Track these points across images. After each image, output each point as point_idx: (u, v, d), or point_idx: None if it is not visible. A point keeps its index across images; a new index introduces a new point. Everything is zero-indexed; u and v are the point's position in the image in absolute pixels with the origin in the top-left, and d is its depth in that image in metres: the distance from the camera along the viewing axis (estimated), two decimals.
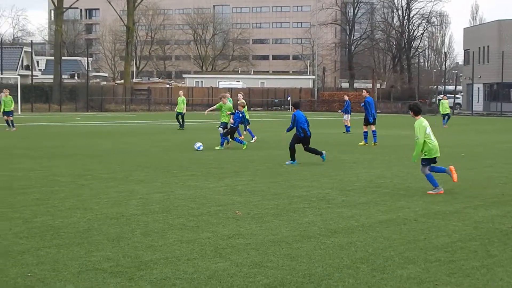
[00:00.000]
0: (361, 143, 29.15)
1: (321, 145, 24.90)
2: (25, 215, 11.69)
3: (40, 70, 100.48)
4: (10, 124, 37.60)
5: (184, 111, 39.93)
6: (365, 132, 29.52)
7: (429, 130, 14.91)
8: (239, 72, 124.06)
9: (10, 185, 15.45)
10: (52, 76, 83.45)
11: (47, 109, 74.63)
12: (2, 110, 37.99)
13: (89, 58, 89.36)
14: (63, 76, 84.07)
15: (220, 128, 26.62)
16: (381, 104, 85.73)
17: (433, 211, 12.69)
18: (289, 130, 21.76)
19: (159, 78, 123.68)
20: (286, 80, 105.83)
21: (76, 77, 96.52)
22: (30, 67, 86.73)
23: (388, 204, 13.39)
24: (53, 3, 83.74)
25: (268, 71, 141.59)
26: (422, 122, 14.91)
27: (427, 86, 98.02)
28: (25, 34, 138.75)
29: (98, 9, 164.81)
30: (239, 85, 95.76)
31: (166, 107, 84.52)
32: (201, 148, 25.03)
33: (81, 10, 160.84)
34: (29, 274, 8.02)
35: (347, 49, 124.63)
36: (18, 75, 76.69)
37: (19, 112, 63.36)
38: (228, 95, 28.49)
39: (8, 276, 7.96)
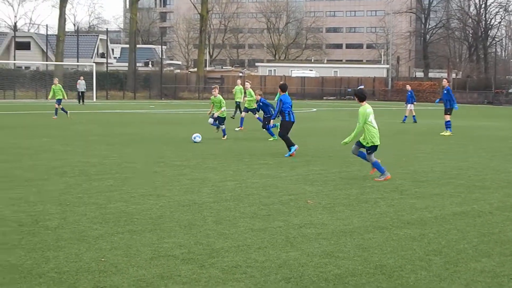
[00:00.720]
0: (447, 133, 28.77)
1: (395, 135, 24.64)
2: (100, 201, 11.88)
3: (115, 57, 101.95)
4: (56, 112, 37.79)
5: (242, 100, 38.64)
6: (448, 122, 29.12)
7: (372, 117, 14.84)
8: (312, 61, 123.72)
9: (86, 171, 15.71)
10: (126, 64, 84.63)
11: (121, 97, 75.74)
12: (55, 97, 38.08)
13: (163, 46, 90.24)
14: (138, 64, 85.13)
15: (210, 119, 25.27)
16: (457, 94, 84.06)
17: (509, 204, 12.43)
18: (274, 117, 21.02)
19: (232, 66, 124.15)
20: (359, 69, 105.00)
21: (150, 65, 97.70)
22: (105, 54, 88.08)
23: (463, 196, 13.18)
24: None
25: (341, 60, 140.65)
26: (366, 108, 14.81)
27: (504, 76, 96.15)
28: (101, 22, 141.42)
29: None
30: (312, 74, 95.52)
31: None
32: (198, 139, 23.41)
33: None
34: (103, 259, 8.14)
35: (422, 38, 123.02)
36: (93, 62, 78.17)
37: (94, 99, 64.57)
38: (217, 90, 26.10)
39: (83, 260, 8.09)
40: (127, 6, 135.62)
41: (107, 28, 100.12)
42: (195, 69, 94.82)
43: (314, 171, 16.57)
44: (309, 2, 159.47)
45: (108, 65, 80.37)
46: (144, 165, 17.08)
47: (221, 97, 25.50)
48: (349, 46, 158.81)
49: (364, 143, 15.03)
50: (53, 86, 38.71)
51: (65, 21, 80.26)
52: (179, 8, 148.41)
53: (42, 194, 12.47)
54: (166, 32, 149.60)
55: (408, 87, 40.56)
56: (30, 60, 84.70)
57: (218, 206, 11.60)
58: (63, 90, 38.94)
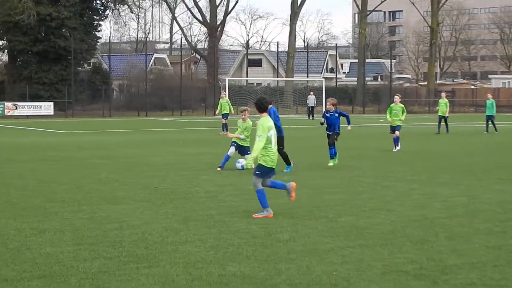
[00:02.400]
0: None
1: None
2: (330, 215, 11.97)
3: (344, 72, 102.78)
4: (224, 128, 36.26)
5: (447, 114, 36.19)
6: None
7: (272, 133, 12.01)
8: None
9: (318, 185, 15.91)
10: (355, 79, 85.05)
11: (350, 111, 76.16)
12: (221, 112, 36.92)
13: (392, 60, 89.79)
14: (366, 78, 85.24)
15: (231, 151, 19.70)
16: None
17: None
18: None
19: (463, 79, 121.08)
20: None
21: (379, 79, 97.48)
22: (335, 70, 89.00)
23: None
24: (357, 6, 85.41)
25: None
26: (268, 121, 12.02)
27: None
28: (330, 38, 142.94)
29: (402, 11, 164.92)
30: None
31: (470, 109, 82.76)
32: (241, 165, 18.75)
33: (384, 12, 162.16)
34: (334, 273, 8.19)
35: None
36: (323, 78, 79.22)
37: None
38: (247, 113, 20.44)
39: (314, 273, 8.19)
40: (356, 21, 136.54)
41: (336, 44, 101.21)
42: (425, 83, 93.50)
43: None
44: None
45: (337, 80, 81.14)
46: (374, 179, 17.04)
47: (249, 123, 20.00)
48: None
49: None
50: (220, 100, 37.54)
51: (295, 38, 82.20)
52: (408, 22, 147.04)
53: (273, 207, 12.73)
54: (395, 46, 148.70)
55: None
56: (262, 76, 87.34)
57: (451, 222, 11.31)
58: (230, 104, 37.54)
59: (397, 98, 25.42)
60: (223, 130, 35.65)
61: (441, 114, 36.16)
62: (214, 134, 35.93)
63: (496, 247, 9.49)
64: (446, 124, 36.43)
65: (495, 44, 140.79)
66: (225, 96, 38.12)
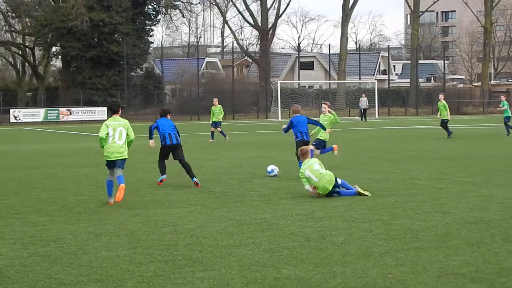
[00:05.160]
0: None
1: None
2: (384, 217, 11.92)
3: (396, 74, 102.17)
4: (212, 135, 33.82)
5: (448, 117, 33.84)
6: None
7: (111, 131, 13.87)
8: None
9: (370, 187, 15.84)
10: (408, 80, 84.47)
11: (403, 113, 75.67)
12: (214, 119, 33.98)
13: (445, 61, 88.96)
14: (419, 80, 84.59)
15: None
16: None
17: None
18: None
19: None
20: None
21: (432, 80, 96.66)
22: (387, 71, 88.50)
23: None
24: (409, 7, 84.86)
25: None
26: (113, 120, 14.05)
27: None
28: (382, 39, 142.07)
29: (454, 11, 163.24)
30: None
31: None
32: (274, 173, 18.41)
33: (437, 12, 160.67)
34: (389, 276, 8.16)
35: None
36: (375, 79, 78.87)
37: (376, 116, 65.01)
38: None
39: (369, 276, 8.17)
40: (408, 22, 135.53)
41: (388, 45, 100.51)
42: (479, 83, 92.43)
43: None
44: None
45: (390, 81, 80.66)
46: (428, 181, 16.90)
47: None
48: None
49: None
50: (212, 108, 34.37)
51: (347, 40, 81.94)
52: (461, 22, 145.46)
53: (327, 210, 12.76)
54: (449, 47, 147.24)
55: None
56: (314, 79, 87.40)
57: (507, 224, 11.17)
58: (223, 111, 35.20)
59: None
60: (212, 138, 33.53)
61: (442, 118, 33.96)
62: (267, 138, 36.02)
63: None
64: (447, 128, 34.05)
65: None
66: (217, 103, 34.63)
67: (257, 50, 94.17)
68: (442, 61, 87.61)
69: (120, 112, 14.29)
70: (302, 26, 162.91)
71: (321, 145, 20.44)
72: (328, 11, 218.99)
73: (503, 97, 37.90)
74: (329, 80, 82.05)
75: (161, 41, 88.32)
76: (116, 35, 67.94)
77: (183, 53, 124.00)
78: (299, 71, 77.56)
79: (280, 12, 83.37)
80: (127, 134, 14.06)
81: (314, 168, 14.36)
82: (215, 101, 34.59)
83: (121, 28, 66.57)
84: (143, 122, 55.48)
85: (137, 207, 13.33)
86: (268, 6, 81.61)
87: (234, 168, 20.46)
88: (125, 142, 14.04)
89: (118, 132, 13.90)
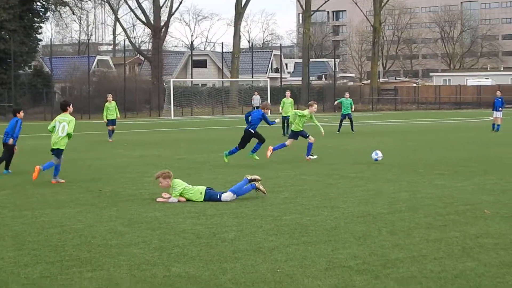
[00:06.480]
0: None
1: None
2: (275, 213, 12.03)
3: (288, 72, 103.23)
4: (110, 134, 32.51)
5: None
6: None
7: (57, 124, 16.74)
8: (488, 69, 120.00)
9: (263, 183, 15.92)
10: (300, 78, 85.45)
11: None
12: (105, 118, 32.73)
13: (336, 59, 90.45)
14: (311, 78, 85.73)
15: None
16: None
17: None
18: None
19: (406, 77, 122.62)
20: None
21: (323, 79, 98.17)
22: (279, 69, 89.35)
23: None
24: (301, 6, 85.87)
25: None
26: (58, 117, 17.00)
27: None
28: (274, 38, 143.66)
29: (345, 10, 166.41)
30: (488, 82, 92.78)
31: (413, 106, 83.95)
32: (378, 156, 20.20)
33: (328, 12, 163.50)
34: (278, 270, 8.24)
35: None
36: (268, 78, 79.45)
37: (269, 114, 65.37)
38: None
39: (259, 271, 8.23)
40: (300, 21, 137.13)
41: (280, 44, 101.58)
42: (369, 81, 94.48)
43: (491, 180, 16.08)
44: (484, 10, 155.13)
45: (282, 79, 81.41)
46: (318, 177, 17.17)
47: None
48: None
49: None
50: (106, 104, 32.94)
51: (240, 38, 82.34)
52: (351, 21, 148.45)
53: (219, 207, 12.79)
54: (339, 45, 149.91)
55: (498, 93, 38.32)
56: (207, 77, 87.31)
57: (393, 217, 11.47)
58: (117, 108, 33.63)
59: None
60: (110, 137, 32.19)
61: (285, 115, 33.51)
62: (160, 136, 35.83)
63: (436, 240, 9.67)
64: (287, 126, 33.00)
65: (436, 43, 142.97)
66: (111, 99, 33.32)
67: (149, 48, 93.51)
68: (333, 60, 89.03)
69: (68, 110, 16.92)
70: (195, 25, 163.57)
71: (296, 136, 21.88)
72: (221, 10, 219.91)
73: (347, 95, 38.78)
74: (222, 78, 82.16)
75: (51, 39, 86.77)
76: (3, 32, 66.05)
77: (73, 51, 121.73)
78: (192, 69, 77.38)
79: (173, 10, 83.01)
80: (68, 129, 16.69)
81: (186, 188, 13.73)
82: (109, 97, 33.80)
83: (8, 25, 64.75)
84: (32, 122, 54.23)
85: (23, 208, 12.99)
86: (161, 4, 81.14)
87: (126, 167, 20.24)
88: (66, 136, 16.72)
89: (61, 127, 16.68)
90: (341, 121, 36.53)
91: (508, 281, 7.64)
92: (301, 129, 21.69)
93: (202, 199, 13.40)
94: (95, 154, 25.17)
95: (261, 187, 13.82)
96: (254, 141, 21.01)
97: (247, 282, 7.79)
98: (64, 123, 16.70)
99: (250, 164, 20.39)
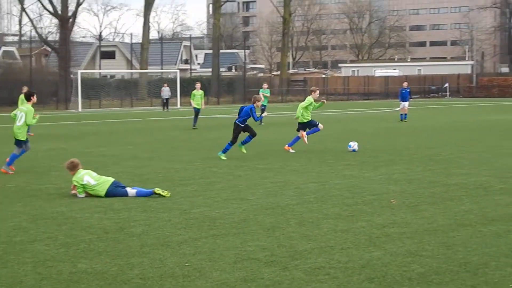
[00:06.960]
0: None
1: (483, 130, 24.09)
2: (183, 206, 12.00)
3: (198, 63, 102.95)
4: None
5: (203, 106, 35.29)
6: None
7: (18, 113, 17.14)
8: (396, 59, 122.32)
9: (171, 177, 15.89)
10: (210, 69, 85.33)
11: (205, 102, 76.28)
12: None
13: (246, 51, 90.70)
14: (221, 69, 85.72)
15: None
16: None
17: None
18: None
19: (315, 68, 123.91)
20: (443, 67, 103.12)
21: (233, 70, 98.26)
22: (189, 61, 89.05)
23: None
24: None
25: (425, 58, 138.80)
26: (20, 106, 18.01)
27: None
28: (184, 29, 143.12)
29: (255, 1, 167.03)
30: (396, 73, 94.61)
31: (322, 97, 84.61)
32: (353, 147, 21.06)
33: (238, 3, 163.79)
34: (187, 264, 8.22)
35: (507, 33, 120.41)
36: (177, 69, 78.93)
37: (178, 106, 65.14)
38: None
39: (167, 265, 8.19)
40: (210, 12, 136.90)
41: (190, 35, 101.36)
42: (278, 72, 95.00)
43: (398, 170, 16.42)
44: (392, 1, 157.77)
45: (192, 71, 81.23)
46: (227, 169, 17.19)
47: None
48: (433, 43, 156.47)
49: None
50: (21, 96, 30.39)
51: (149, 29, 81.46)
52: (261, 12, 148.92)
53: (127, 201, 12.66)
54: (249, 36, 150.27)
55: (405, 84, 39.48)
56: (115, 68, 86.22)
57: (301, 208, 11.59)
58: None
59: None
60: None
61: (197, 107, 34.42)
62: (68, 129, 35.27)
63: (343, 231, 9.81)
64: (196, 117, 34.62)
65: (345, 34, 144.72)
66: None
67: (57, 38, 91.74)
68: (243, 51, 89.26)
69: (32, 100, 17.28)
70: (104, 15, 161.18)
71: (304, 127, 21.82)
72: (131, 0, 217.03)
73: (265, 86, 39.03)
74: (131, 69, 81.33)
75: None
76: None
77: None
78: (100, 61, 76.43)
79: (81, 0, 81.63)
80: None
81: (93, 175, 13.61)
82: (24, 88, 33.13)
83: None
84: None
85: None
86: None
87: (31, 161, 19.81)
88: (23, 125, 17.00)
89: (19, 116, 17.02)
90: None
91: (414, 269, 7.81)
92: (310, 119, 21.89)
93: (105, 192, 13.10)
94: (0, 148, 24.57)
95: (161, 193, 13.11)
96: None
97: (154, 276, 7.74)
98: (22, 113, 17.07)
99: (160, 157, 20.27)
